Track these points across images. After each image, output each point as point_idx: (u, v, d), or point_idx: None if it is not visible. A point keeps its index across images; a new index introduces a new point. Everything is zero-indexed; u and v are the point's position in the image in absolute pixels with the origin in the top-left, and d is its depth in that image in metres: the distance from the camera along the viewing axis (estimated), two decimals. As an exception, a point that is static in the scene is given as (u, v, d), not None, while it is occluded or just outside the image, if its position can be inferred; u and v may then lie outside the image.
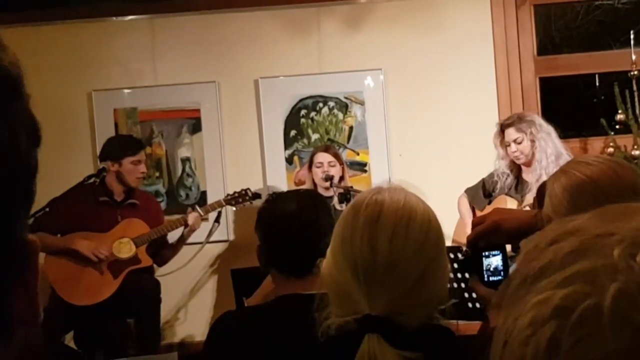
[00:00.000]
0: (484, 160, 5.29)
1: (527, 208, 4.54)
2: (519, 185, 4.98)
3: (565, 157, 4.63)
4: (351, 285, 1.59)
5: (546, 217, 1.82)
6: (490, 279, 2.07)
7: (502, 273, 2.07)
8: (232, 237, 5.64)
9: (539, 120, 4.90)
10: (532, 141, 4.85)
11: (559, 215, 1.76)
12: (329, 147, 5.31)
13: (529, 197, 4.65)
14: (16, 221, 0.58)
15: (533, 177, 4.86)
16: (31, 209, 0.60)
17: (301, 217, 2.31)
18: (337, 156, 5.21)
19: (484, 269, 2.07)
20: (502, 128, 4.95)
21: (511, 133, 4.90)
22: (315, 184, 5.15)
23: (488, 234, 2.07)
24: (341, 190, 4.97)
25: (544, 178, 4.75)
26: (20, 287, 0.59)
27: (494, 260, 2.07)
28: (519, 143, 4.88)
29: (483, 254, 2.08)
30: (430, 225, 1.65)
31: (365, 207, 1.64)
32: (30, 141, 0.59)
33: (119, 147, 5.01)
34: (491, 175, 5.10)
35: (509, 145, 4.92)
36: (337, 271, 1.63)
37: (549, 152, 4.82)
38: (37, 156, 0.60)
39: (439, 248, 1.66)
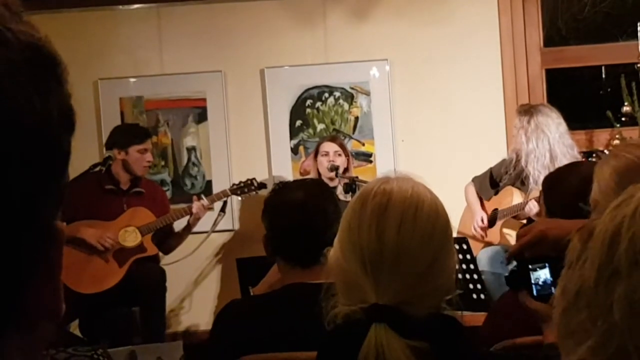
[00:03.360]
0: (490, 151, 5.29)
1: (534, 201, 4.52)
2: (526, 175, 4.97)
3: (562, 162, 4.53)
4: (358, 275, 1.59)
5: (594, 202, 1.80)
6: (540, 292, 1.97)
7: (552, 286, 1.95)
8: (237, 227, 5.64)
9: (542, 117, 4.78)
10: (520, 131, 4.83)
11: (607, 198, 1.74)
12: (335, 137, 5.32)
13: (534, 193, 4.61)
14: (43, 206, 0.58)
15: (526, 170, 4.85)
16: (62, 196, 0.60)
17: (308, 206, 2.32)
18: (343, 147, 5.22)
19: (533, 282, 1.98)
20: (516, 111, 5.00)
21: (515, 118, 4.93)
22: (320, 174, 5.16)
23: (534, 244, 1.99)
24: (346, 181, 4.97)
25: (532, 173, 4.73)
26: (44, 276, 0.58)
27: (542, 274, 1.97)
28: (516, 129, 4.90)
29: (530, 267, 1.98)
30: (438, 215, 1.65)
31: (373, 197, 1.64)
32: (63, 125, 0.59)
33: (126, 135, 5.02)
34: (500, 163, 5.09)
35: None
36: (345, 260, 1.63)
37: (530, 147, 4.76)
38: (70, 142, 0.60)
39: (447, 238, 1.66)
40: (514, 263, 2.05)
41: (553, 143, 4.76)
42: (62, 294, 0.60)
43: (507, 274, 2.07)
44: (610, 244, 0.76)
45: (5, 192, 0.54)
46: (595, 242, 0.78)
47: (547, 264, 1.98)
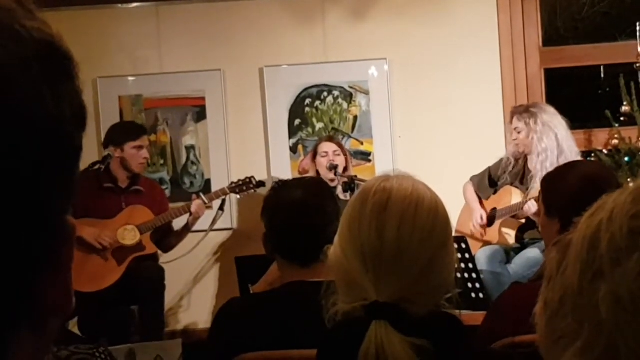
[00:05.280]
0: (489, 151, 5.29)
1: (533, 201, 4.52)
2: (525, 176, 4.96)
3: (568, 157, 4.54)
4: (358, 272, 1.60)
5: None
6: None
7: None
8: (236, 225, 5.64)
9: (546, 115, 4.78)
10: (531, 133, 4.81)
11: None
12: (332, 137, 5.33)
13: (534, 192, 4.61)
14: (55, 202, 0.58)
15: (533, 169, 4.83)
16: (73, 193, 0.60)
17: (307, 204, 2.32)
18: (341, 146, 5.22)
19: None
20: (512, 114, 4.96)
21: (514, 121, 4.91)
22: (319, 174, 5.16)
23: None
24: (345, 180, 4.97)
25: (541, 172, 4.71)
26: (54, 271, 0.59)
27: None
28: (519, 132, 4.87)
29: None
30: (437, 213, 1.65)
31: (373, 195, 1.65)
32: (75, 123, 0.60)
33: (121, 132, 5.02)
34: (499, 162, 5.08)
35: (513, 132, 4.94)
36: (345, 258, 1.63)
37: (543, 146, 4.75)
38: (81, 139, 0.60)
39: (446, 236, 1.67)
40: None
41: (561, 139, 4.76)
42: (72, 290, 0.60)
43: None
44: (589, 247, 0.77)
45: (17, 189, 0.54)
46: (574, 249, 0.79)
47: None
